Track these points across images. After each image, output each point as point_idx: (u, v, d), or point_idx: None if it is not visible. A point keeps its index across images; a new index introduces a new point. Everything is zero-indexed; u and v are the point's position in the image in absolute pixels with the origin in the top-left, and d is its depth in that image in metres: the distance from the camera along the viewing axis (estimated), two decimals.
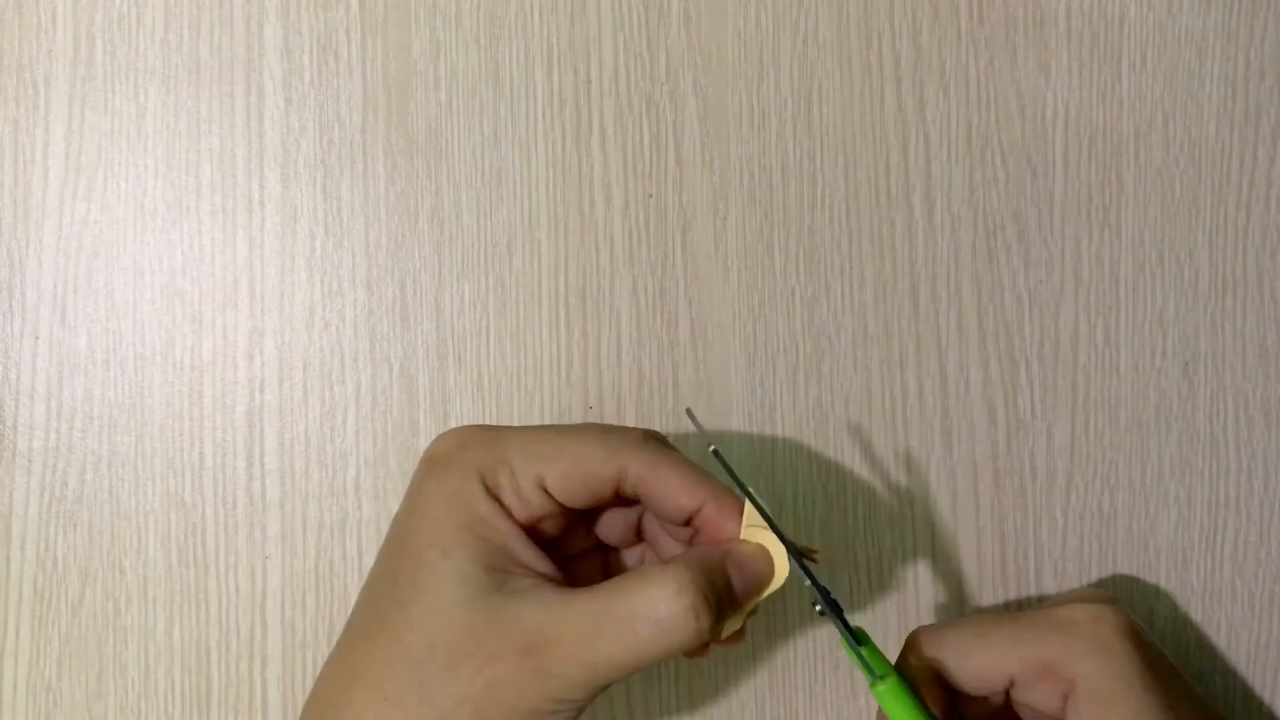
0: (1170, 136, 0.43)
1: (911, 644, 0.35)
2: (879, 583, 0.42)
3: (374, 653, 0.32)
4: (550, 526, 0.34)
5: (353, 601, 0.41)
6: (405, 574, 0.32)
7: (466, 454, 0.33)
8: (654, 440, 0.34)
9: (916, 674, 0.35)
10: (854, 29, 0.42)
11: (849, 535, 0.42)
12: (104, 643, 0.41)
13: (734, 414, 0.42)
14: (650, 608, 0.31)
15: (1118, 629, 0.34)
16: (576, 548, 0.36)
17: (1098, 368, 0.42)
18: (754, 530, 0.33)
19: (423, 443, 0.41)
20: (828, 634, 0.42)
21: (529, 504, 0.33)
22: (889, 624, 0.41)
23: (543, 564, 0.33)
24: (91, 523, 0.41)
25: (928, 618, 0.41)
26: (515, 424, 0.41)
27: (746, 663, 0.41)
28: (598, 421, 0.41)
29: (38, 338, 0.41)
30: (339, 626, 0.41)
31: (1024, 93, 0.42)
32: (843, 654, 0.41)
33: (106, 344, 0.41)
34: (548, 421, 0.41)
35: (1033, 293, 0.42)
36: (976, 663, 0.34)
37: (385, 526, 0.41)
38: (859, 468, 0.42)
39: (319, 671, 0.34)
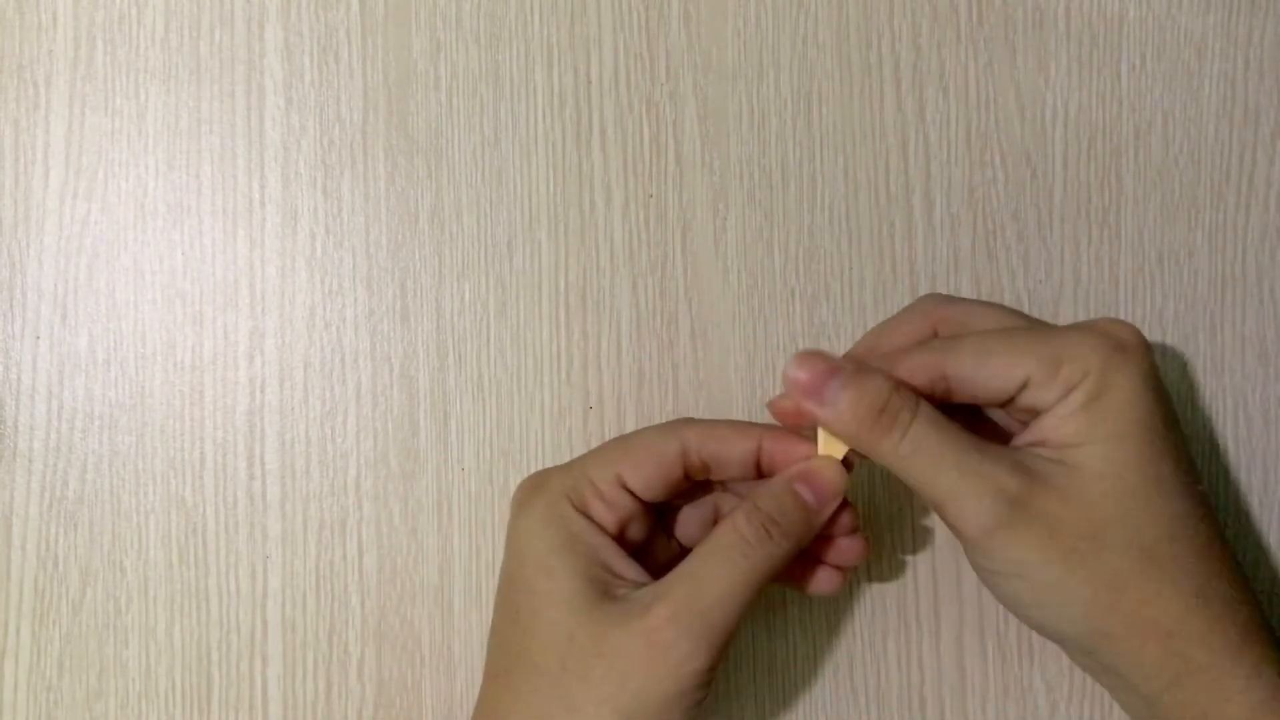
0: (1170, 136, 0.43)
1: (921, 347, 0.35)
2: (879, 582, 0.42)
3: (514, 685, 0.34)
4: (636, 531, 0.36)
5: (353, 601, 0.41)
6: (523, 607, 0.34)
7: (549, 483, 0.35)
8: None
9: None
10: (854, 29, 0.42)
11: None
12: (104, 642, 0.41)
13: (734, 414, 0.42)
14: (729, 532, 0.33)
15: (1137, 337, 0.34)
16: (660, 558, 0.37)
17: None
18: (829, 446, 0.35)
19: (423, 442, 0.41)
20: (827, 634, 0.42)
21: (615, 506, 0.35)
22: (889, 624, 0.41)
23: (638, 572, 0.35)
24: (92, 522, 0.41)
25: (928, 617, 0.41)
26: (516, 423, 0.41)
27: (747, 662, 0.41)
28: (600, 419, 0.42)
29: (38, 338, 0.41)
30: (339, 626, 0.41)
31: (1023, 93, 0.42)
32: (843, 655, 0.41)
33: (107, 344, 0.41)
34: (548, 420, 0.41)
35: (1032, 293, 0.42)
36: (998, 362, 0.34)
37: (385, 526, 0.41)
38: (858, 467, 0.42)
39: None
